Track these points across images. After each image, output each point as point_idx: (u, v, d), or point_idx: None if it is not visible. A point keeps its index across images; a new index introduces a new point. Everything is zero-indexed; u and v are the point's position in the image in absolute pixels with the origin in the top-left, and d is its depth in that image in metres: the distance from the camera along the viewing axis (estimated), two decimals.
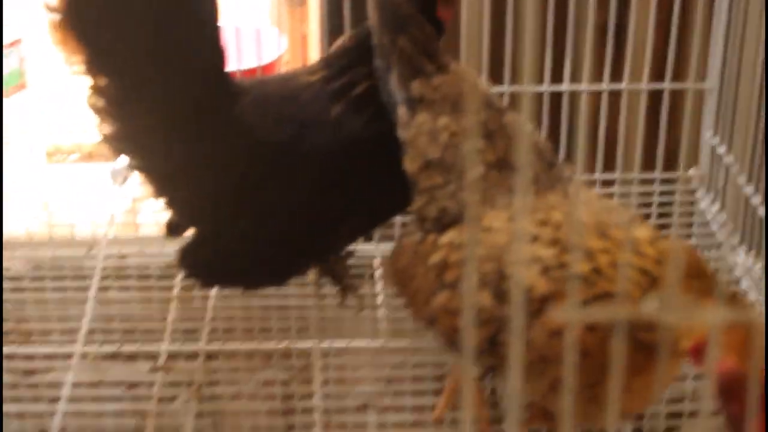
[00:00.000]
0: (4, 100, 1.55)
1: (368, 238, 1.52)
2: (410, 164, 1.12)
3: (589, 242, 0.97)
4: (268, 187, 1.19)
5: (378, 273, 1.48)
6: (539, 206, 1.04)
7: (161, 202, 1.22)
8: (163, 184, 1.21)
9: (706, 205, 1.50)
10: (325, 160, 1.19)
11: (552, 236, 0.99)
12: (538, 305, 0.96)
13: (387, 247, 1.45)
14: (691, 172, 1.55)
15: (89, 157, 1.74)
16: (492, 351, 1.00)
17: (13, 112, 1.55)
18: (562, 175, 1.09)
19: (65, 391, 1.25)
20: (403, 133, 1.13)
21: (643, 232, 0.99)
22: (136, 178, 1.63)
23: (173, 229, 1.29)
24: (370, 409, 1.30)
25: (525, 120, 0.91)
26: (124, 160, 1.33)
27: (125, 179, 1.61)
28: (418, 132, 1.12)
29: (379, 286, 1.46)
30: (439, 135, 1.11)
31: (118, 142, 1.17)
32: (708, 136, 1.52)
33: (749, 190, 1.38)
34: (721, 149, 1.47)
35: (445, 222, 1.10)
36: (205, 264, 1.25)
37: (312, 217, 1.21)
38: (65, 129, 1.56)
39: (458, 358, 1.22)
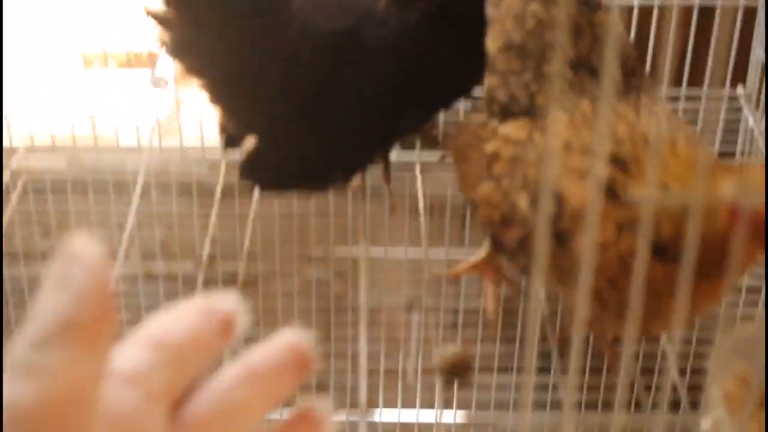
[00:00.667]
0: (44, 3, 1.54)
1: (410, 146, 1.51)
2: (492, 43, 1.12)
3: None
4: (328, 84, 1.19)
5: (419, 180, 1.47)
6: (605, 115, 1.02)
7: (220, 110, 1.22)
8: (223, 89, 1.21)
9: (754, 122, 1.48)
10: (384, 52, 1.18)
11: (609, 151, 0.98)
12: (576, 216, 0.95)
13: (429, 156, 1.46)
14: (739, 89, 1.53)
15: (128, 63, 1.73)
16: (522, 252, 1.00)
17: (52, 15, 1.54)
18: (640, 84, 1.07)
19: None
20: (491, 11, 1.11)
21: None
22: (178, 83, 1.63)
23: (231, 140, 1.29)
24: (414, 309, 1.31)
25: (616, 20, 0.89)
26: (166, 65, 1.32)
27: (167, 84, 1.60)
28: (507, 12, 1.11)
29: (420, 194, 1.45)
30: (527, 20, 1.10)
31: (176, 48, 1.17)
32: (758, 53, 1.50)
33: None
34: None
35: (512, 110, 1.09)
36: (267, 170, 1.26)
37: (373, 111, 1.21)
38: (105, 34, 1.55)
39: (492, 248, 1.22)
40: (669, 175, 0.93)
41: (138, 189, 1.41)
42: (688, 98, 1.52)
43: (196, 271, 1.33)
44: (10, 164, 1.46)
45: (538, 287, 0.44)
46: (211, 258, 1.34)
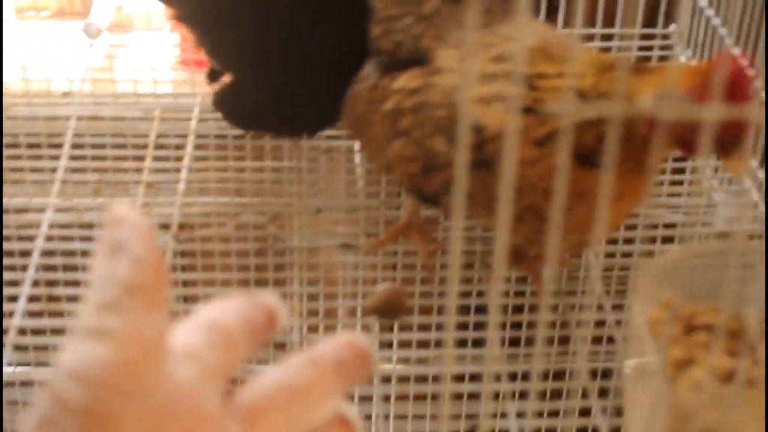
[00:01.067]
0: None
1: None
2: None
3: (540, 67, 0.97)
4: (308, 26, 1.18)
5: None
6: (492, 41, 1.03)
7: (204, 49, 1.25)
8: (205, 28, 1.22)
9: (685, 59, 1.49)
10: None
11: (509, 70, 0.99)
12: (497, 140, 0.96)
13: None
14: (671, 27, 1.54)
15: (60, 14, 1.71)
16: (451, 194, 1.01)
17: None
18: (515, 5, 1.08)
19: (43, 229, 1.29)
20: None
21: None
22: (108, 34, 1.61)
23: (212, 75, 1.30)
24: (347, 250, 1.31)
25: None
26: (99, 14, 1.30)
27: (99, 34, 1.59)
28: None
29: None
30: None
31: None
32: None
33: (730, 41, 1.38)
34: (703, 2, 1.46)
35: (400, 59, 1.09)
36: (240, 106, 1.28)
37: (349, 60, 1.19)
38: None
39: (415, 200, 1.23)
40: (585, 83, 0.94)
41: (70, 134, 1.40)
42: (620, 37, 1.53)
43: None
44: None
45: (459, 222, 0.44)
46: (146, 204, 1.34)
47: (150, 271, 0.42)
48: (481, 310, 1.30)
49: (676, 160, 1.41)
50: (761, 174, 1.32)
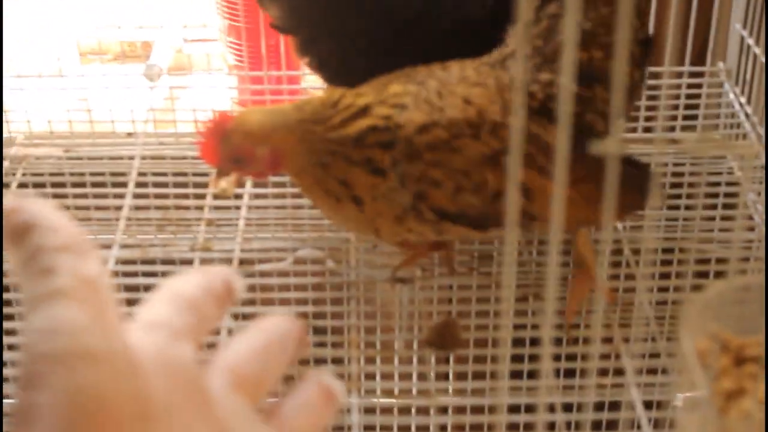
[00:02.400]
0: None
1: None
2: None
3: None
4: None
5: None
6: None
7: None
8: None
9: (733, 97, 1.51)
10: None
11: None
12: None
13: None
14: (720, 66, 1.55)
15: (122, 57, 1.76)
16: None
17: (47, 10, 1.57)
18: None
19: (109, 266, 1.33)
20: None
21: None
22: (168, 76, 1.66)
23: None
24: (402, 284, 1.34)
25: None
26: (159, 56, 1.34)
27: (159, 76, 1.64)
28: None
29: None
30: None
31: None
32: (737, 28, 1.53)
33: None
34: (750, 40, 1.48)
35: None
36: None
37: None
38: (99, 28, 1.58)
39: None
40: None
41: (134, 173, 1.45)
42: (670, 75, 1.54)
43: (192, 252, 1.36)
44: (9, 152, 1.50)
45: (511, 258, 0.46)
46: (207, 240, 1.38)
47: (66, 229, 0.43)
48: (536, 342, 1.32)
49: (727, 195, 1.43)
50: None
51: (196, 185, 1.44)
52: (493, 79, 1.08)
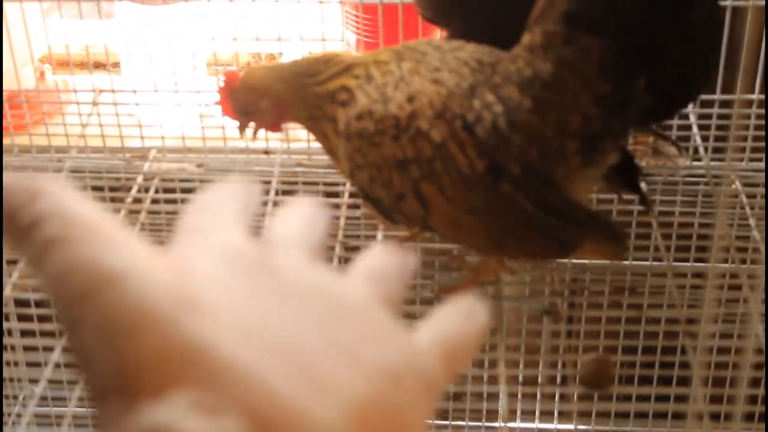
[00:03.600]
0: (167, 7, 1.55)
1: None
2: None
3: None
4: None
5: None
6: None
7: None
8: None
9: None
10: None
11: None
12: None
13: None
14: (753, 96, 1.49)
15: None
16: None
17: (177, 20, 1.55)
18: None
19: None
20: None
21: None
22: None
23: None
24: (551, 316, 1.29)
25: None
26: None
27: None
28: None
29: None
30: None
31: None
32: None
33: None
34: None
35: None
36: None
37: None
38: (224, 39, 1.55)
39: None
40: None
41: (273, 189, 1.42)
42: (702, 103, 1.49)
43: None
44: (143, 167, 1.48)
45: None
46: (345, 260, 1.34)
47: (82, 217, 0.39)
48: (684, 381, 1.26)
49: None
50: None
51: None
52: (455, 82, 1.07)
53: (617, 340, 1.29)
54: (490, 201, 1.04)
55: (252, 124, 1.18)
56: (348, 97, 1.10)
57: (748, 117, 1.48)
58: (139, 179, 1.46)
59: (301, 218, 0.47)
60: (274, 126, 1.20)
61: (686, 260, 1.40)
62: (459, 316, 0.46)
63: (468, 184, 1.04)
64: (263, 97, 1.14)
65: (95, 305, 0.36)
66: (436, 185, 1.06)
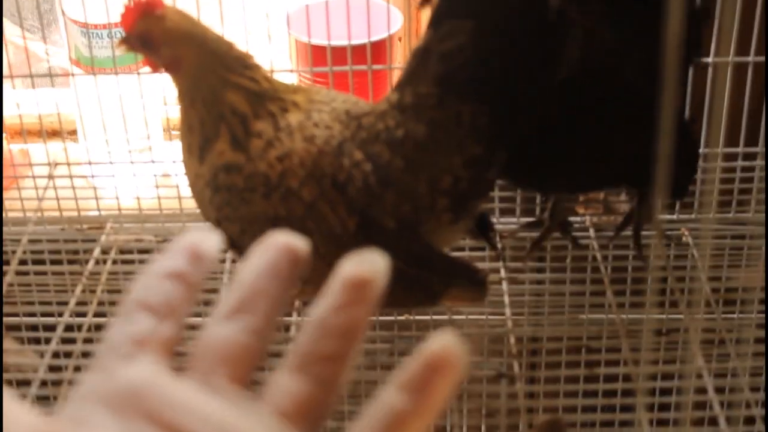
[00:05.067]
0: (127, 75, 1.56)
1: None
2: None
3: None
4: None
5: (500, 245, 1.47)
6: None
7: None
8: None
9: None
10: None
11: None
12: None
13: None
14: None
15: None
16: None
17: (135, 85, 1.55)
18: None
19: None
20: None
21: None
22: None
23: None
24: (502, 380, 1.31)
25: None
26: None
27: None
28: None
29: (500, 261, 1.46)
30: None
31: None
32: None
33: None
34: None
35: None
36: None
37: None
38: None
39: None
40: None
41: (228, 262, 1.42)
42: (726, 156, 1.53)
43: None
44: (100, 239, 1.48)
45: None
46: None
47: None
48: None
49: None
50: None
51: None
52: (325, 139, 1.09)
53: (576, 399, 1.30)
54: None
55: (137, 50, 1.13)
56: (239, 130, 1.09)
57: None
58: (96, 251, 1.46)
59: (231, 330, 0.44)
60: (156, 67, 1.13)
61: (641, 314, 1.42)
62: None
63: (338, 242, 1.05)
64: (169, 45, 1.10)
65: None
66: (309, 243, 1.06)
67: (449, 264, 1.13)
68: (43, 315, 1.41)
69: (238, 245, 1.11)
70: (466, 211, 1.10)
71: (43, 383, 1.28)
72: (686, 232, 1.50)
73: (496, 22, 1.01)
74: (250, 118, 1.09)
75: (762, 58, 1.43)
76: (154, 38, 1.09)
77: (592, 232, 1.47)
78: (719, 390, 1.25)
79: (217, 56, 1.09)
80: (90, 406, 0.39)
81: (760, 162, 1.51)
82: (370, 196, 1.07)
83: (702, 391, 1.24)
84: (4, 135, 1.71)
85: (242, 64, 1.11)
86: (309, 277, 1.08)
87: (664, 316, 1.42)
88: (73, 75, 1.57)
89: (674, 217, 1.52)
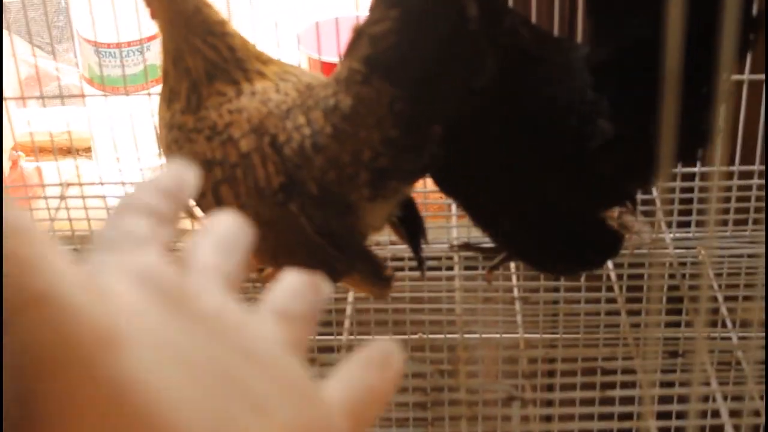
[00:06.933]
0: (136, 94, 1.56)
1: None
2: None
3: None
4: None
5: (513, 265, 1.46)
6: None
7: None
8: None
9: None
10: None
11: None
12: None
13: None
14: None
15: None
16: None
17: (146, 106, 1.55)
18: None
19: None
20: None
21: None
22: None
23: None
24: (514, 402, 1.30)
25: None
26: None
27: None
28: None
29: (514, 279, 1.45)
30: None
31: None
32: None
33: None
34: None
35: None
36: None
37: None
38: None
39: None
40: None
41: None
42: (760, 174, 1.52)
43: None
44: None
45: None
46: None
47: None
48: None
49: None
50: None
51: None
52: (277, 103, 1.15)
53: (592, 422, 1.29)
54: (275, 216, 1.13)
55: None
56: (193, 93, 1.15)
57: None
58: None
59: (219, 240, 0.45)
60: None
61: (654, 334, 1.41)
62: (372, 367, 0.44)
63: (260, 195, 1.12)
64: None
65: (11, 330, 0.32)
66: (233, 190, 1.13)
67: (358, 249, 1.18)
68: None
69: None
70: (385, 189, 1.13)
71: None
72: (702, 251, 1.48)
73: (419, 15, 1.05)
74: (203, 84, 1.16)
75: (758, 76, 1.42)
76: None
77: None
78: (734, 413, 1.24)
79: (183, 16, 1.15)
80: (108, 277, 0.39)
81: (758, 181, 1.51)
82: (302, 158, 1.11)
83: (716, 414, 1.23)
84: (18, 153, 1.71)
85: (207, 29, 1.16)
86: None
87: (679, 336, 1.41)
88: (84, 96, 1.57)
89: (689, 235, 1.51)
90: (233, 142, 1.13)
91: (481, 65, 1.07)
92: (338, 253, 1.15)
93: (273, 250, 1.17)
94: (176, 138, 1.17)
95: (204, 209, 1.18)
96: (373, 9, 1.07)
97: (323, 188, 1.12)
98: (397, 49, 1.06)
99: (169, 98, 1.18)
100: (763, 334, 1.28)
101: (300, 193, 1.12)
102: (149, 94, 1.51)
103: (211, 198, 1.14)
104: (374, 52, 1.07)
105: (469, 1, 1.02)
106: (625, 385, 1.32)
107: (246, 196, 1.13)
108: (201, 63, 1.16)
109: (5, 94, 1.48)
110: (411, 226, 1.26)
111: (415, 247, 1.27)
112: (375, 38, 1.06)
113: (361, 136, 1.09)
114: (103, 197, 1.54)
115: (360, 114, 1.09)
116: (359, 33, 1.08)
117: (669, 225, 1.51)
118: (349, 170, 1.11)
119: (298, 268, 1.23)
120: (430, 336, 1.40)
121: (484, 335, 1.40)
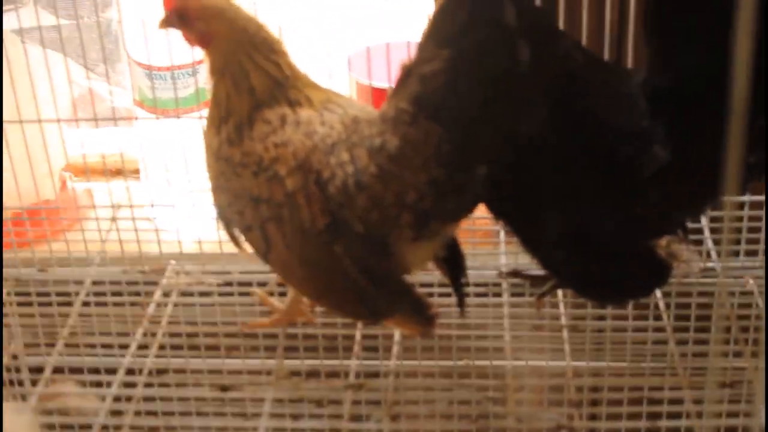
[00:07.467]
0: (188, 116, 1.57)
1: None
2: None
3: None
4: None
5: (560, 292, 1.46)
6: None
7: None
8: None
9: None
10: None
11: None
12: None
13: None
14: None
15: None
16: None
17: (196, 129, 1.57)
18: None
19: (266, 407, 1.30)
20: None
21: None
22: None
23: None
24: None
25: None
26: None
27: None
28: None
29: (561, 306, 1.45)
30: None
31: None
32: None
33: None
34: None
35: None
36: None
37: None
38: None
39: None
40: None
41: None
42: None
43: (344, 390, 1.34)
44: (161, 281, 1.49)
45: None
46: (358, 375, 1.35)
47: None
48: None
49: None
50: None
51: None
52: (322, 137, 1.14)
53: None
54: (320, 257, 1.13)
55: (175, 26, 1.22)
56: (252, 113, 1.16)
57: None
58: (158, 294, 1.47)
59: None
60: (191, 42, 1.22)
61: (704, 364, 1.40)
62: None
63: (305, 236, 1.12)
64: (204, 20, 1.19)
65: None
66: (280, 231, 1.13)
67: (400, 288, 1.17)
68: (105, 356, 1.42)
69: (223, 216, 1.21)
70: (428, 230, 1.12)
71: (104, 428, 1.28)
72: (750, 280, 1.48)
73: (470, 55, 1.03)
74: (264, 105, 1.17)
75: None
76: (189, 13, 1.19)
77: None
78: None
79: (246, 34, 1.17)
80: None
81: None
82: (346, 197, 1.10)
83: None
84: (68, 175, 1.73)
85: (269, 47, 1.18)
86: (274, 259, 1.15)
87: (728, 366, 1.40)
88: (136, 118, 1.59)
89: (738, 264, 1.51)
90: (279, 180, 1.13)
91: (531, 109, 1.06)
92: (380, 294, 1.14)
93: (317, 290, 1.19)
94: (223, 170, 1.17)
95: (252, 243, 1.18)
96: (422, 47, 1.06)
97: (367, 228, 1.11)
98: (447, 90, 1.04)
99: (220, 122, 1.18)
100: None
101: (344, 233, 1.11)
102: (201, 117, 1.52)
103: (258, 234, 1.15)
104: (423, 91, 1.05)
105: (520, 44, 1.01)
106: (671, 416, 1.31)
107: (291, 236, 1.13)
108: (266, 81, 1.17)
109: (59, 115, 1.50)
110: (453, 266, 1.25)
111: (457, 286, 1.26)
112: (424, 78, 1.04)
113: (407, 177, 1.08)
114: (153, 219, 1.56)
115: (407, 156, 1.07)
116: (408, 71, 1.06)
117: (718, 254, 1.50)
118: (392, 211, 1.10)
119: (341, 309, 1.24)
120: (476, 363, 1.40)
121: (531, 362, 1.39)
